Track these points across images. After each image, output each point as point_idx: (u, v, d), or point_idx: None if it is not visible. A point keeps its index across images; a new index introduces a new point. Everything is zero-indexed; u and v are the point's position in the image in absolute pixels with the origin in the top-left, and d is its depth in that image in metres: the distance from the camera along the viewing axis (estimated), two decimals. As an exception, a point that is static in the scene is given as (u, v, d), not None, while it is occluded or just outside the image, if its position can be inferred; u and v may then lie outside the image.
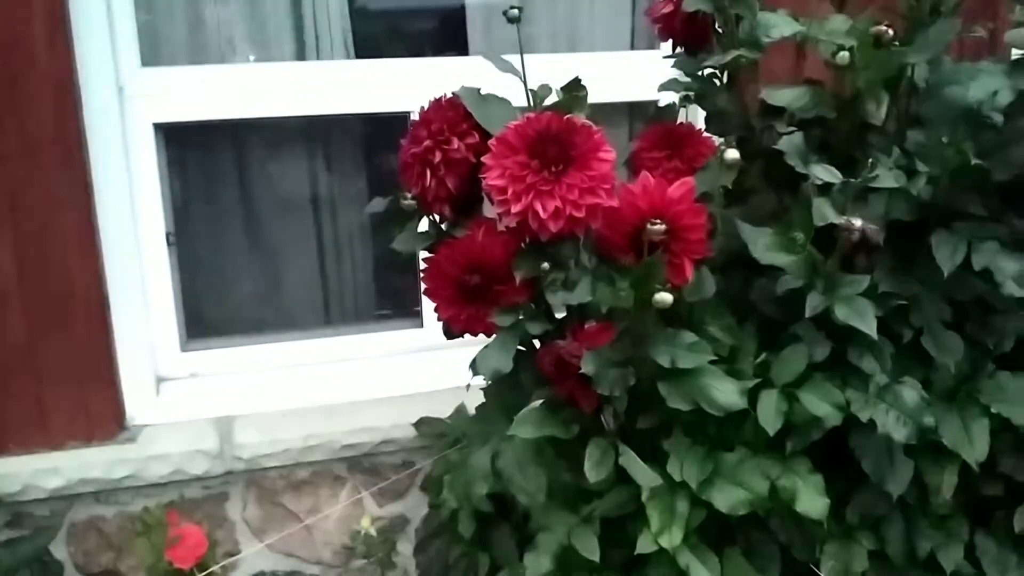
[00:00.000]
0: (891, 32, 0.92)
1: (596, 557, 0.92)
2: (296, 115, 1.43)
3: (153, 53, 1.40)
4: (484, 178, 0.83)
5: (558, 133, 0.83)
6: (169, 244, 1.40)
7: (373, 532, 1.21)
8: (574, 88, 0.91)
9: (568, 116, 0.84)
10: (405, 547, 1.42)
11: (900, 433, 0.85)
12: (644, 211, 0.86)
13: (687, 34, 0.94)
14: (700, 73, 0.96)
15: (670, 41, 0.98)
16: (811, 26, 0.94)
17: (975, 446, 0.91)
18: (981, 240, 0.87)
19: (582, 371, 0.84)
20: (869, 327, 0.82)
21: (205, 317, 1.51)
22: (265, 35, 1.49)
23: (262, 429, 1.34)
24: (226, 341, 1.48)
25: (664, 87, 0.95)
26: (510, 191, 0.82)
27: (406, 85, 1.44)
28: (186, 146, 1.48)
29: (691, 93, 0.96)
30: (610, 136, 0.84)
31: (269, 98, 1.42)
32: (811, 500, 0.88)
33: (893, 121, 0.99)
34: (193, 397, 1.41)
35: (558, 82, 0.92)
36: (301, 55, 1.51)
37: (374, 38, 1.56)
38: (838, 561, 0.98)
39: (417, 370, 1.48)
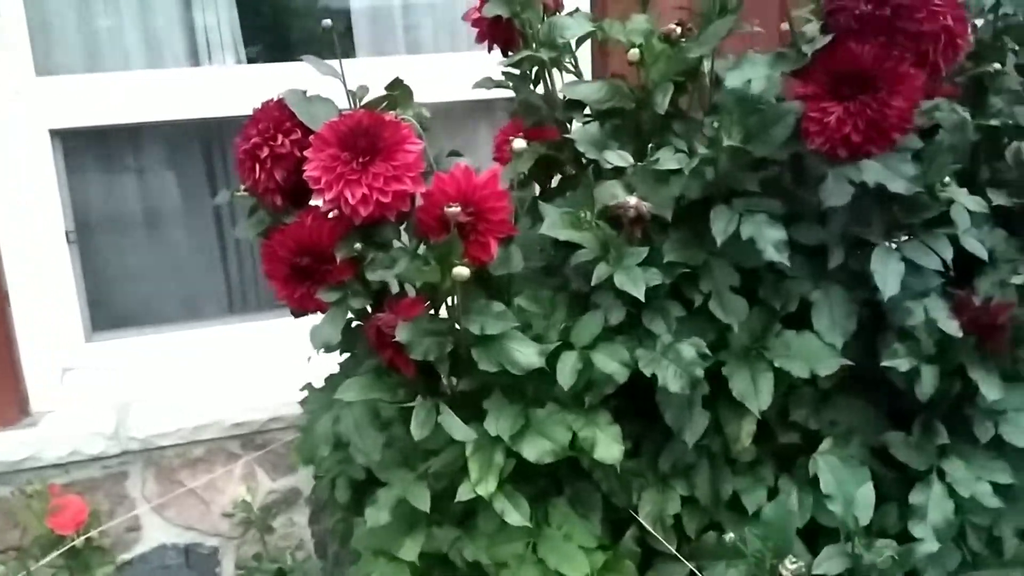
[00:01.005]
0: (680, 30, 1.04)
1: (426, 508, 1.02)
2: (189, 118, 1.53)
3: (47, 62, 1.49)
4: (305, 170, 0.94)
5: (367, 128, 0.93)
6: (70, 242, 1.50)
7: (250, 500, 1.31)
8: (395, 87, 1.02)
9: (379, 112, 0.95)
10: (301, 518, 1.53)
11: (675, 384, 0.96)
12: (452, 196, 0.96)
13: (496, 36, 1.05)
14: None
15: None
16: (612, 26, 1.05)
17: (759, 397, 1.02)
18: (752, 213, 0.98)
19: (396, 339, 0.94)
20: (638, 292, 0.93)
21: (110, 310, 1.60)
22: (157, 41, 1.59)
23: (157, 410, 1.44)
24: (130, 332, 1.58)
25: (478, 85, 1.06)
26: (323, 180, 0.92)
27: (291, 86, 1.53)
28: (86, 149, 1.58)
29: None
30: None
31: (162, 103, 1.52)
32: (607, 448, 0.99)
33: (698, 109, 1.11)
34: (96, 384, 1.50)
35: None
36: (195, 60, 1.61)
37: (265, 43, 1.66)
38: (654, 506, 1.09)
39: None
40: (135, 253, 1.64)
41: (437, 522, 1.07)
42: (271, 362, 1.56)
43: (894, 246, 1.04)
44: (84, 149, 1.56)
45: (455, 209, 0.92)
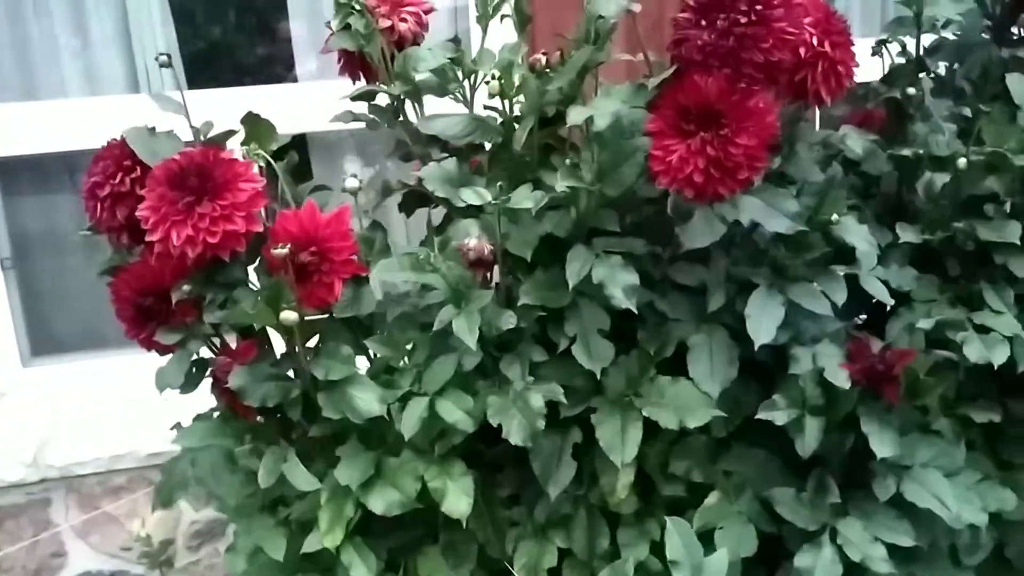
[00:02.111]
0: (545, 60, 0.98)
1: (279, 556, 0.99)
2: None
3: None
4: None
5: (199, 167, 0.90)
6: (5, 268, 1.52)
7: (145, 535, 1.30)
8: (248, 121, 0.99)
9: (213, 149, 0.92)
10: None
11: (517, 436, 0.91)
12: (295, 235, 0.93)
13: (355, 68, 1.01)
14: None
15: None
16: (481, 57, 1.00)
17: (625, 448, 0.96)
18: (609, 254, 0.92)
19: (227, 385, 0.91)
20: (470, 339, 0.88)
21: (49, 335, 1.61)
22: (96, 69, 1.59)
23: (77, 439, 1.44)
24: (68, 357, 1.58)
25: (336, 118, 1.02)
26: (151, 221, 0.90)
27: (227, 112, 1.52)
28: (22, 177, 1.59)
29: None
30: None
31: (99, 130, 1.52)
32: (456, 500, 0.94)
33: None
34: (30, 409, 1.51)
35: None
36: (134, 88, 1.61)
37: (206, 68, 1.65)
38: (530, 558, 1.04)
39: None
40: (74, 278, 1.65)
41: (304, 570, 1.04)
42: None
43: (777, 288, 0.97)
44: (20, 175, 1.58)
45: (283, 250, 0.88)
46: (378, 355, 0.97)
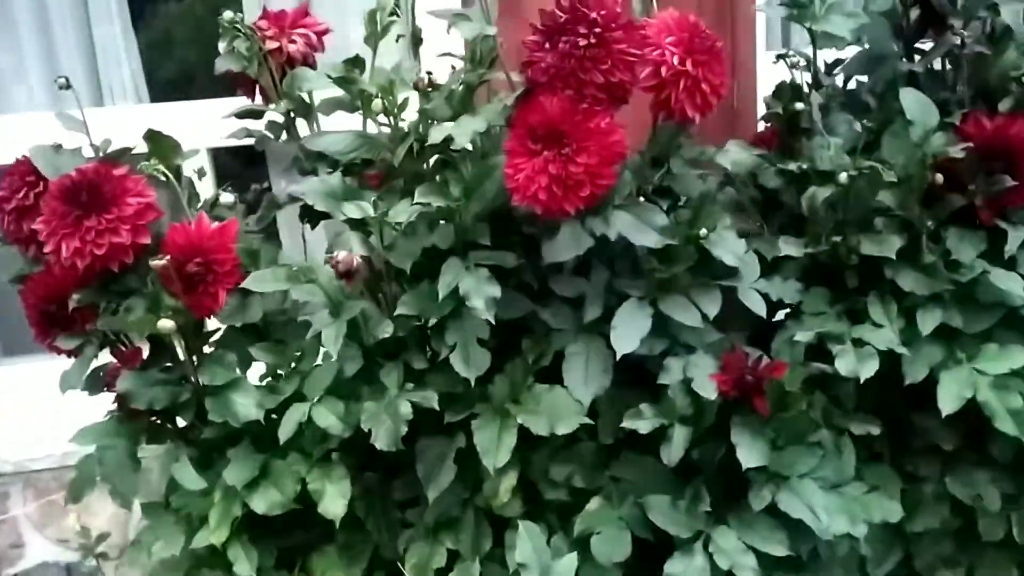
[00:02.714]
0: (428, 79, 1.02)
1: (176, 552, 1.04)
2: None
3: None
4: (38, 222, 0.97)
5: (90, 182, 0.96)
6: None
7: (81, 527, 1.36)
8: (149, 138, 1.04)
9: (106, 166, 0.97)
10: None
11: (383, 441, 0.95)
12: (182, 246, 0.98)
13: (245, 86, 1.05)
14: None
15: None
16: (373, 76, 1.04)
17: (498, 454, 0.99)
18: (479, 267, 0.96)
19: (116, 389, 0.97)
20: (333, 348, 0.92)
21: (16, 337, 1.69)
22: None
23: (31, 435, 1.51)
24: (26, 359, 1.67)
25: (232, 135, 1.07)
26: (44, 233, 0.95)
27: (191, 126, 1.59)
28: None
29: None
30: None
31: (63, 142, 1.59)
32: (332, 502, 0.98)
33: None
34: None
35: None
36: (99, 101, 1.68)
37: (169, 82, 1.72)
38: (420, 558, 1.08)
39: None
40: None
41: (202, 565, 1.09)
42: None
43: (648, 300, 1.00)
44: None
45: (160, 261, 0.93)
46: (265, 362, 1.02)
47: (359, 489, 1.09)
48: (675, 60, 0.91)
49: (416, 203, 0.90)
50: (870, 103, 1.16)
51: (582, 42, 0.82)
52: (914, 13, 1.17)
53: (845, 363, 0.99)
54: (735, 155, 1.06)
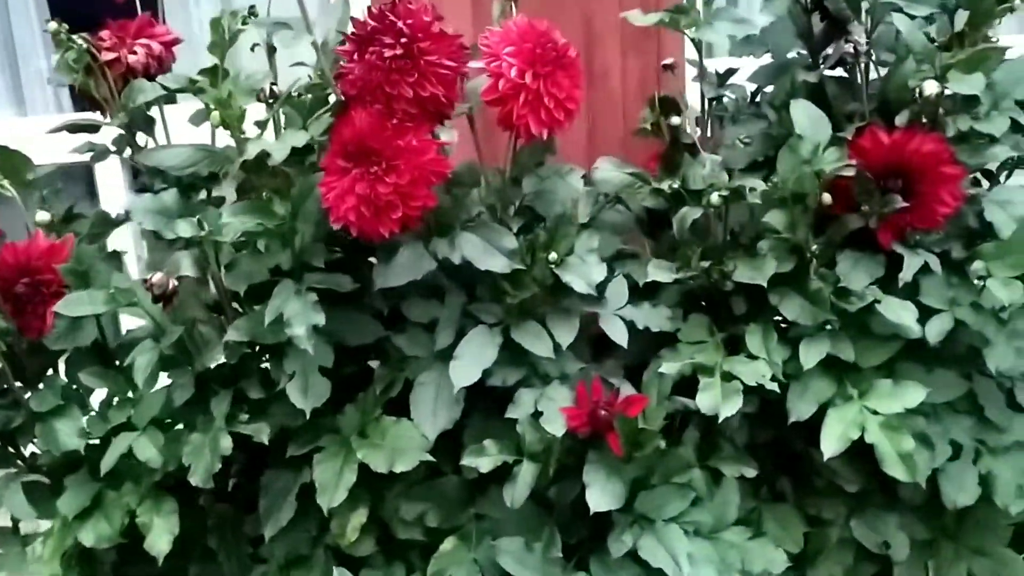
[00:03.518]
0: (269, 90, 0.97)
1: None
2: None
3: None
4: None
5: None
6: None
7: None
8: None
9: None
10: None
11: (197, 478, 0.89)
12: (12, 266, 0.94)
13: (87, 98, 1.01)
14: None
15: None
16: (215, 88, 0.99)
17: (336, 491, 0.93)
18: (310, 291, 0.90)
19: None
20: (140, 375, 0.87)
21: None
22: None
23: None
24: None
25: (75, 150, 1.02)
26: None
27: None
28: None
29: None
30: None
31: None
32: (159, 537, 0.92)
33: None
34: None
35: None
36: (22, 110, 1.66)
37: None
38: (266, 594, 1.02)
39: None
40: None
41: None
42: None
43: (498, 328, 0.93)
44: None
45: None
46: (97, 388, 0.97)
47: (213, 521, 1.04)
48: (513, 72, 0.84)
49: (229, 221, 0.85)
50: (769, 116, 1.08)
51: (388, 53, 0.76)
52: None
53: (706, 399, 0.91)
54: (604, 173, 0.99)
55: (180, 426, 0.97)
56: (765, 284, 0.93)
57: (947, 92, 0.97)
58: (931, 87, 0.93)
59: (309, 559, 1.01)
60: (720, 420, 0.89)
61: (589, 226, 1.00)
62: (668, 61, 1.05)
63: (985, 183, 1.08)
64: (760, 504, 1.08)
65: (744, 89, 1.15)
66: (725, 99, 1.13)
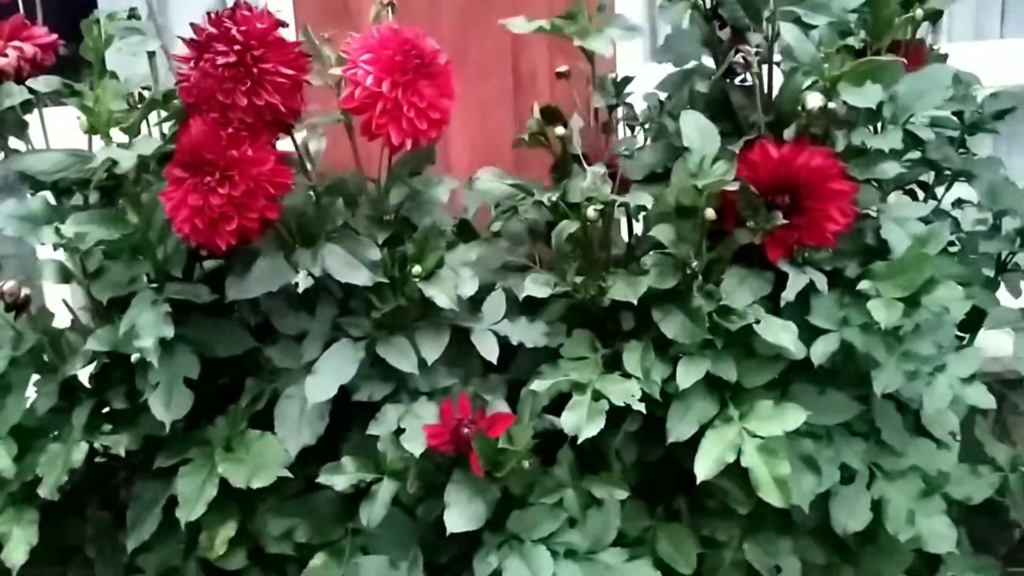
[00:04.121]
0: (139, 95, 0.94)
1: None
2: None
3: None
4: None
5: None
6: None
7: None
8: None
9: None
10: None
11: (45, 489, 0.88)
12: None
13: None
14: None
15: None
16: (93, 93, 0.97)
17: (196, 505, 0.91)
18: (168, 301, 0.88)
19: None
20: None
21: None
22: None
23: None
24: None
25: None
26: None
27: None
28: None
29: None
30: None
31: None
32: (15, 549, 0.91)
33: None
34: None
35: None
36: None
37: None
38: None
39: None
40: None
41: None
42: None
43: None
44: None
45: None
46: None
47: (93, 529, 1.03)
48: (369, 80, 0.82)
49: (79, 232, 0.83)
50: (667, 126, 1.05)
51: (221, 60, 0.74)
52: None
53: (570, 417, 0.88)
54: (485, 184, 0.97)
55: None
56: (635, 302, 0.90)
57: (845, 104, 0.94)
58: (814, 100, 0.90)
59: (180, 571, 0.99)
60: (579, 440, 0.86)
61: (473, 239, 0.98)
62: (562, 69, 1.02)
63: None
64: (655, 524, 1.06)
65: (656, 97, 1.13)
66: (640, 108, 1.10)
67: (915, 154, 1.06)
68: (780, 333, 0.90)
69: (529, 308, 1.00)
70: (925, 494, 0.99)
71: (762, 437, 0.91)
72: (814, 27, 0.97)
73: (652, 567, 0.96)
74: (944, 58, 1.28)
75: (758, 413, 0.93)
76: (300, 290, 0.86)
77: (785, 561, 1.03)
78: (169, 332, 0.85)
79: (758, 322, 0.91)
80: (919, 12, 0.96)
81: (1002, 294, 1.21)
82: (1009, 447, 1.12)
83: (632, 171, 1.04)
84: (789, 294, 0.92)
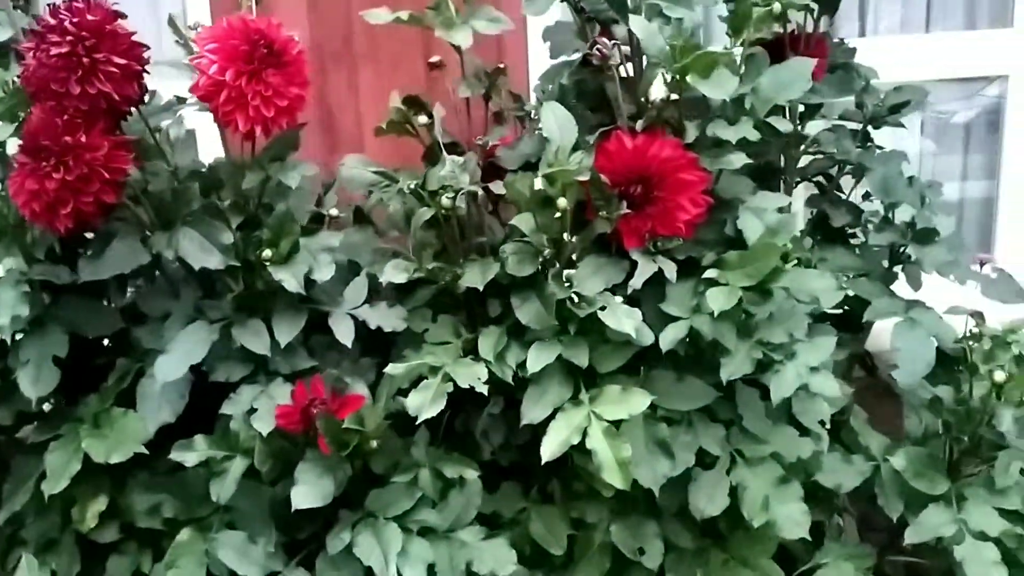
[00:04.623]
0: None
1: None
2: None
3: None
4: None
5: None
6: None
7: None
8: None
9: None
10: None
11: None
12: None
13: None
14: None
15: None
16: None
17: (59, 479, 0.95)
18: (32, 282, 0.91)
19: None
20: None
21: None
22: None
23: None
24: None
25: None
26: None
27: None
28: None
29: None
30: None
31: None
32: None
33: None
34: None
35: None
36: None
37: None
38: (24, 577, 1.04)
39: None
40: None
41: None
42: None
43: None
44: None
45: None
46: None
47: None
48: (213, 69, 0.85)
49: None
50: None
51: (54, 51, 0.77)
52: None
53: (414, 399, 0.90)
54: (349, 171, 0.99)
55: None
56: (481, 288, 0.93)
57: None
58: (657, 91, 0.91)
59: (58, 543, 1.03)
60: (419, 422, 0.89)
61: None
62: (434, 59, 1.04)
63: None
64: (529, 505, 1.09)
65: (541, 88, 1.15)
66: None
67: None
68: (624, 320, 0.92)
69: (404, 293, 1.03)
70: (783, 481, 1.00)
71: (608, 420, 0.93)
72: (669, 20, 0.98)
73: (508, 546, 0.99)
74: (852, 52, 1.30)
75: (606, 397, 0.95)
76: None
77: (649, 544, 1.05)
78: (24, 311, 0.88)
79: (604, 308, 0.93)
80: (777, 6, 0.97)
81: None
82: (884, 437, 1.13)
83: (508, 161, 1.06)
84: (636, 282, 0.94)
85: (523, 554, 1.07)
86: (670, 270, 0.95)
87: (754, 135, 0.97)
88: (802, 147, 1.25)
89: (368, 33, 1.38)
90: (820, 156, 1.29)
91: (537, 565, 1.08)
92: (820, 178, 1.33)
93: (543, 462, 0.92)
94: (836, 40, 1.31)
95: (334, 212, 1.12)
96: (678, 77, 0.93)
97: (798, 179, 1.31)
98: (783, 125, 0.99)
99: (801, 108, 1.19)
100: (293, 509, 0.89)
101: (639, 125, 0.95)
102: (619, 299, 0.95)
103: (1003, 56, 1.56)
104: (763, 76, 1.00)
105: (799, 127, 1.22)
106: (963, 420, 1.06)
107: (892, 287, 1.23)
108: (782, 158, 1.23)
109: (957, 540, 1.02)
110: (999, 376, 1.03)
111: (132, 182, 0.90)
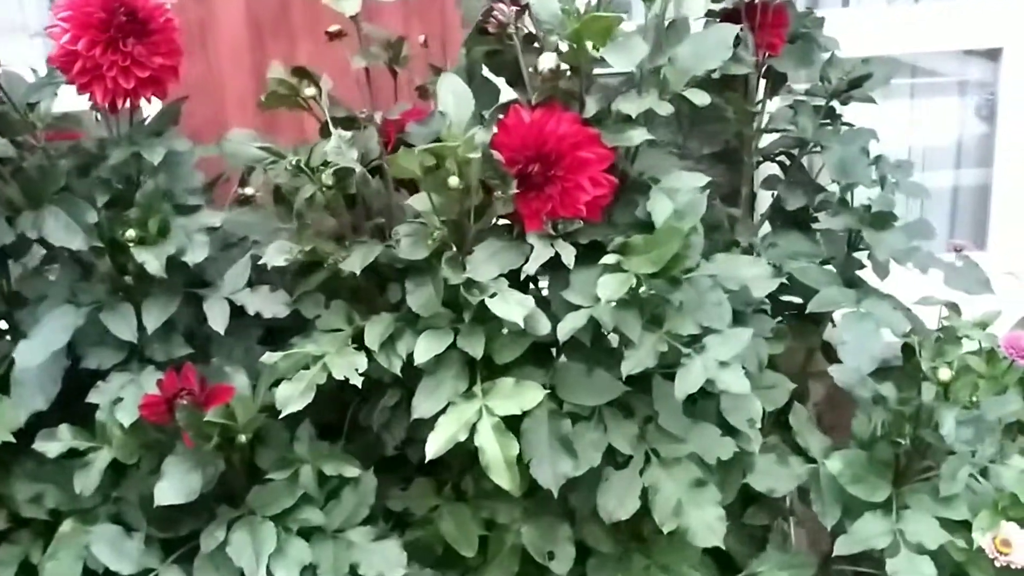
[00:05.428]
0: None
1: None
2: None
3: None
4: None
5: None
6: None
7: None
8: None
9: None
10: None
11: None
12: None
13: None
14: None
15: None
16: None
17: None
18: None
19: None
20: None
21: None
22: None
23: None
24: None
25: None
26: None
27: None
28: None
29: None
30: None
31: None
32: None
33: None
34: None
35: None
36: None
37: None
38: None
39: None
40: None
41: None
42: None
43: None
44: None
45: None
46: None
47: None
48: (65, 39, 0.80)
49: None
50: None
51: None
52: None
53: (283, 391, 0.85)
54: (233, 146, 0.94)
55: None
56: (358, 272, 0.87)
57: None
58: (547, 61, 0.84)
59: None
60: (283, 415, 0.83)
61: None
62: (332, 28, 0.98)
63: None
64: (442, 503, 1.03)
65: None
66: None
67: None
68: (513, 308, 0.85)
69: (300, 278, 0.98)
70: (698, 484, 0.93)
71: (500, 416, 0.87)
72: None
73: (400, 547, 0.93)
74: (820, 22, 1.21)
75: (499, 391, 0.88)
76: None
77: (560, 548, 0.98)
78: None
79: (493, 295, 0.87)
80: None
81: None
82: (826, 438, 1.04)
83: (416, 137, 0.99)
84: (530, 267, 0.87)
85: (435, 554, 1.02)
86: (568, 255, 0.88)
87: (666, 108, 0.89)
88: (758, 125, 1.17)
89: (307, 6, 1.32)
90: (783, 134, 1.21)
91: (451, 566, 1.02)
92: (784, 158, 1.24)
93: (426, 460, 0.86)
94: (805, 10, 1.22)
95: (249, 191, 1.08)
96: (575, 45, 0.85)
97: (759, 159, 1.23)
98: (699, 98, 0.90)
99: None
100: (155, 505, 0.84)
101: (533, 99, 0.88)
102: (517, 287, 0.88)
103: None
104: (682, 45, 0.92)
105: (760, 104, 1.15)
106: (903, 421, 0.97)
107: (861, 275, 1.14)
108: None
109: (891, 552, 0.94)
110: (944, 374, 0.94)
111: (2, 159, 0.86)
